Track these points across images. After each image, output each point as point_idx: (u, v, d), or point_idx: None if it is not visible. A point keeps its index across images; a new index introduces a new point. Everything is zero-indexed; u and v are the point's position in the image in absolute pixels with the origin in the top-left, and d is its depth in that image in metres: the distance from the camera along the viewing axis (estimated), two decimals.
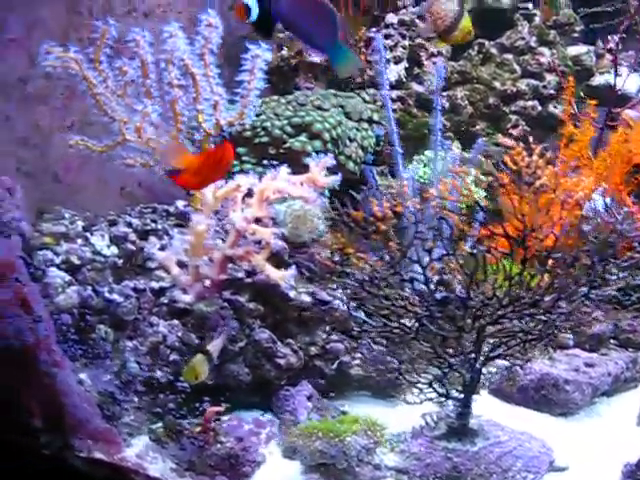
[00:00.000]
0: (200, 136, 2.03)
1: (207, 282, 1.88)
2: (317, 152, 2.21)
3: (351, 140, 2.35)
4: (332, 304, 2.02)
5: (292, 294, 1.98)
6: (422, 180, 2.52)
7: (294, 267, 1.88)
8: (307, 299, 2.00)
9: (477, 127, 2.72)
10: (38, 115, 2.17)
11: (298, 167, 2.18)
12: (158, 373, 1.88)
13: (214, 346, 1.68)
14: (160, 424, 1.79)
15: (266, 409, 1.93)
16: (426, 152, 2.62)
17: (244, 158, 2.24)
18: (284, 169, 1.88)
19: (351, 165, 2.34)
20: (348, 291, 1.70)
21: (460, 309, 1.64)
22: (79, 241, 1.94)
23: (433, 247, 1.57)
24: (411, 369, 1.75)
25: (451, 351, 1.73)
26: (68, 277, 1.87)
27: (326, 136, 2.25)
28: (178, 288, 1.89)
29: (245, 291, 1.97)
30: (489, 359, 1.76)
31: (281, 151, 2.24)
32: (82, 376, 1.83)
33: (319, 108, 2.35)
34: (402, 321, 1.70)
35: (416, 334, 1.71)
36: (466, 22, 2.12)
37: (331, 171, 1.92)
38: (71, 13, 2.19)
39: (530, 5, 2.82)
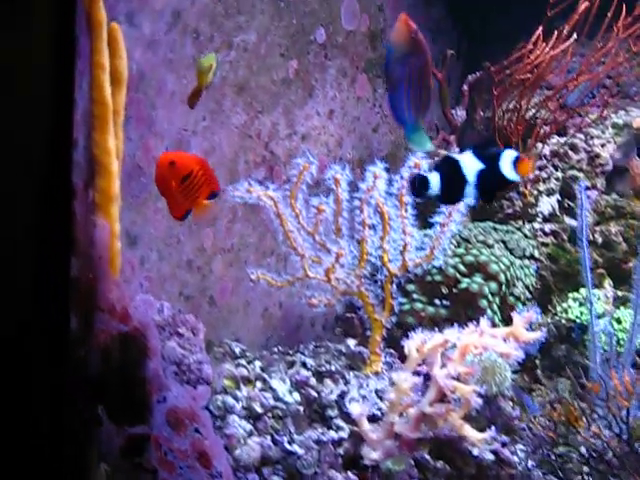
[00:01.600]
0: (383, 276, 1.94)
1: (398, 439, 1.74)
2: (492, 294, 2.12)
3: (517, 279, 2.25)
4: (513, 462, 1.89)
5: (475, 451, 1.85)
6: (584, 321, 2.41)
7: (494, 429, 1.75)
8: (490, 457, 1.87)
9: (630, 264, 2.60)
10: (204, 237, 2.09)
11: (472, 310, 2.08)
12: None
13: None
14: None
15: None
16: (581, 290, 2.52)
17: (414, 296, 2.13)
18: (485, 321, 1.77)
19: (520, 306, 2.23)
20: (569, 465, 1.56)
21: None
22: (258, 384, 1.82)
23: None
24: None
25: None
26: (249, 426, 1.74)
27: (502, 278, 2.14)
28: (367, 444, 1.75)
29: (425, 446, 1.84)
30: None
31: (454, 291, 2.13)
32: None
33: (484, 244, 2.25)
34: None
35: None
36: None
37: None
38: (242, 137, 2.13)
39: None
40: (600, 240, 2.60)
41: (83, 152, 1.60)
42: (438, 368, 1.71)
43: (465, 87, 2.58)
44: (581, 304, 2.46)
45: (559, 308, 2.47)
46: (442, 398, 1.75)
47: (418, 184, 1.55)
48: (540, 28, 2.06)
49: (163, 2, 1.78)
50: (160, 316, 1.73)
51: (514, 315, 1.77)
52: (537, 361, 2.46)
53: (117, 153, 1.67)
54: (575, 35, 2.04)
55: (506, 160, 1.56)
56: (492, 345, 1.72)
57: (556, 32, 2.06)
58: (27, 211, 1.36)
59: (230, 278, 2.22)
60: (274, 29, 2.14)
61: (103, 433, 1.56)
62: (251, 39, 2.07)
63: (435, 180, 1.54)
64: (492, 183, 1.56)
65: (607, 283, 2.58)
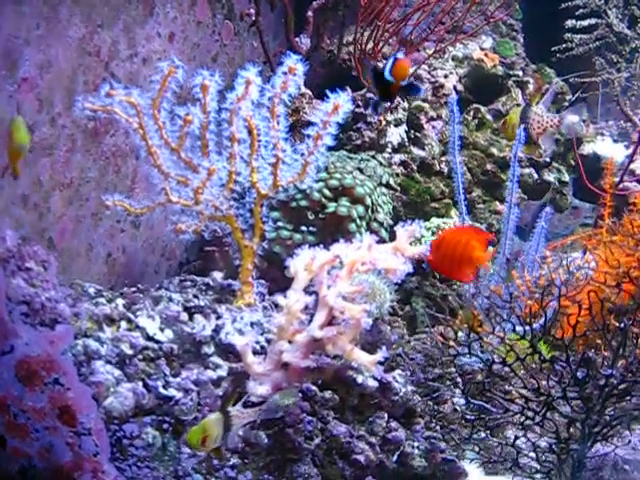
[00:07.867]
0: (251, 197, 1.77)
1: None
2: (360, 217, 2.03)
3: (379, 205, 2.17)
4: (395, 388, 1.82)
5: (360, 378, 1.75)
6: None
7: (384, 349, 1.65)
8: (373, 384, 1.78)
9: (474, 194, 2.64)
10: (40, 169, 1.81)
11: (341, 234, 1.99)
12: None
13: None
14: None
15: None
16: (432, 219, 2.51)
17: (280, 224, 1.98)
18: (369, 237, 1.66)
19: (383, 233, 2.15)
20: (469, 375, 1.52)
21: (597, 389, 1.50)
22: (123, 324, 1.59)
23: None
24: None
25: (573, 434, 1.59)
26: (118, 372, 1.52)
27: (367, 201, 2.05)
28: (253, 379, 1.59)
29: (308, 376, 1.72)
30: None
31: (321, 216, 2.01)
32: None
33: (344, 169, 2.15)
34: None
35: (543, 418, 1.55)
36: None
37: None
38: (81, 54, 1.86)
39: (520, 73, 2.82)
40: (446, 170, 2.59)
41: None
42: (327, 287, 1.58)
43: (310, 13, 2.46)
44: (433, 233, 2.44)
45: None
46: (330, 321, 1.64)
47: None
48: None
49: None
50: (2, 247, 1.45)
51: (398, 229, 1.69)
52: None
53: None
54: None
55: (388, 63, 1.54)
56: (381, 260, 1.62)
57: None
58: None
59: (70, 218, 1.95)
60: None
61: None
62: None
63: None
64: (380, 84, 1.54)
65: (453, 212, 2.59)
